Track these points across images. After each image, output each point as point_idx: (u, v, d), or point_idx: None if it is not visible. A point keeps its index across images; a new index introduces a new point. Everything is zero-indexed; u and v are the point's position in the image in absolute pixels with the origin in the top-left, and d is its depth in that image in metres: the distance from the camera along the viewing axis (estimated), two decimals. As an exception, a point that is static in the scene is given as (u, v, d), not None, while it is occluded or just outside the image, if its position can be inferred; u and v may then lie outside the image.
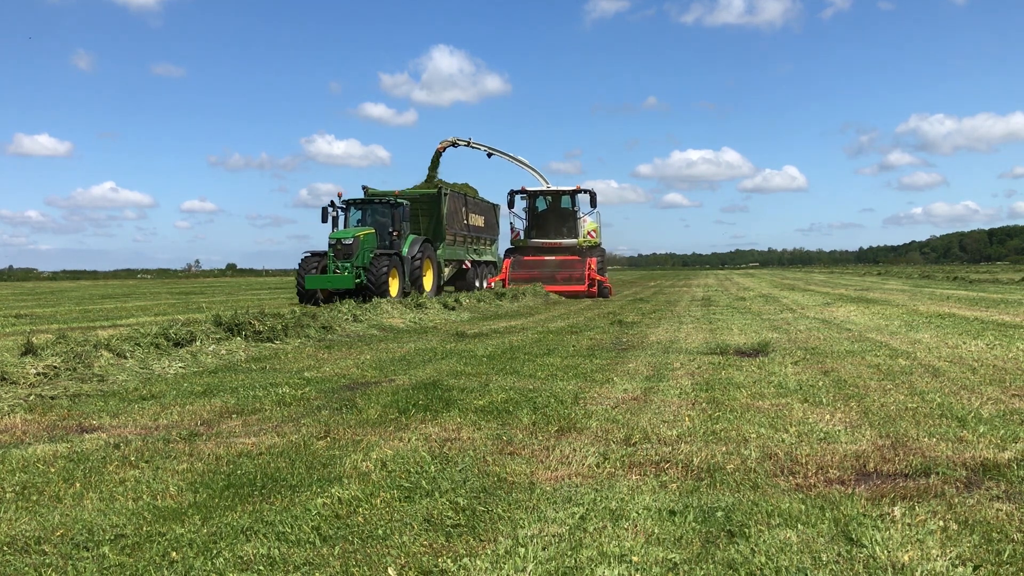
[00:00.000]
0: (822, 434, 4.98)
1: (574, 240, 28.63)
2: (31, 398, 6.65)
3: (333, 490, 3.94)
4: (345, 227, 23.85)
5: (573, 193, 29.39)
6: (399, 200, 24.37)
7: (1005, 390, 6.44)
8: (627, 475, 4.19)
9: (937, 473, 4.06)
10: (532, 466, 4.37)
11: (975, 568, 2.90)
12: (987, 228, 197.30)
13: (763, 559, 2.99)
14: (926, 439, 4.80)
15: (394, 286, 22.33)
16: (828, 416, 5.55)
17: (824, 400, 6.13)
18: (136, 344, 9.01)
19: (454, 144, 30.48)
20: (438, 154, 30.38)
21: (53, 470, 4.40)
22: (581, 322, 14.68)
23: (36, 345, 8.36)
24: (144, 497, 3.91)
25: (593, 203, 28.66)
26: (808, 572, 2.89)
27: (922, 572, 2.85)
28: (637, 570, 2.93)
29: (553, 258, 27.70)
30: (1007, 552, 3.03)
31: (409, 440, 5.01)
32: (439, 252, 26.11)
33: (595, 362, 8.64)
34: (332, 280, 21.81)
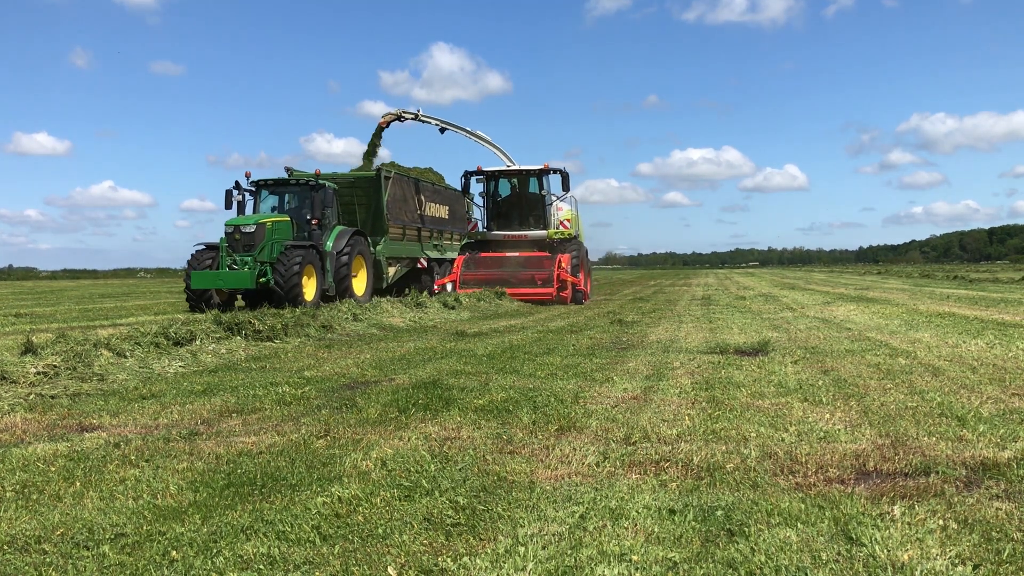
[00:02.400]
0: (822, 433, 4.98)
1: (543, 232, 23.34)
2: (31, 397, 6.65)
3: (333, 489, 3.94)
4: (256, 213, 19.36)
5: (540, 173, 23.77)
6: (321, 182, 19.52)
7: (1005, 389, 6.44)
8: (627, 474, 4.19)
9: (937, 472, 4.06)
10: (532, 465, 4.37)
11: (975, 567, 2.90)
12: (987, 227, 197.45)
13: (763, 558, 2.99)
14: (926, 438, 4.80)
15: (310, 288, 17.90)
16: (828, 415, 5.55)
17: (824, 399, 6.13)
18: (136, 343, 9.01)
19: (399, 118, 25.46)
20: (380, 130, 25.45)
21: (53, 469, 4.41)
22: (581, 321, 14.68)
23: (36, 344, 8.36)
24: (144, 496, 3.91)
25: (566, 185, 23.10)
26: (808, 571, 2.89)
27: (922, 571, 2.85)
28: (637, 569, 2.93)
29: (517, 254, 22.61)
30: (1007, 551, 3.03)
31: (409, 439, 5.01)
32: (379, 248, 21.34)
33: (595, 361, 8.64)
34: (226, 278, 17.30)
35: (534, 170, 23.77)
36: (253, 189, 19.61)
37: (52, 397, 6.72)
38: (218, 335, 10.18)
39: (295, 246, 17.80)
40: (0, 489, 4.06)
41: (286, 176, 21.08)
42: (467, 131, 26.59)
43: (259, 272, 17.40)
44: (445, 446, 4.82)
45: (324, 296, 18.48)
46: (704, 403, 6.09)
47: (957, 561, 2.94)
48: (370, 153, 25.17)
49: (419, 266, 23.78)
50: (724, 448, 4.65)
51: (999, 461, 4.23)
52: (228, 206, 19.21)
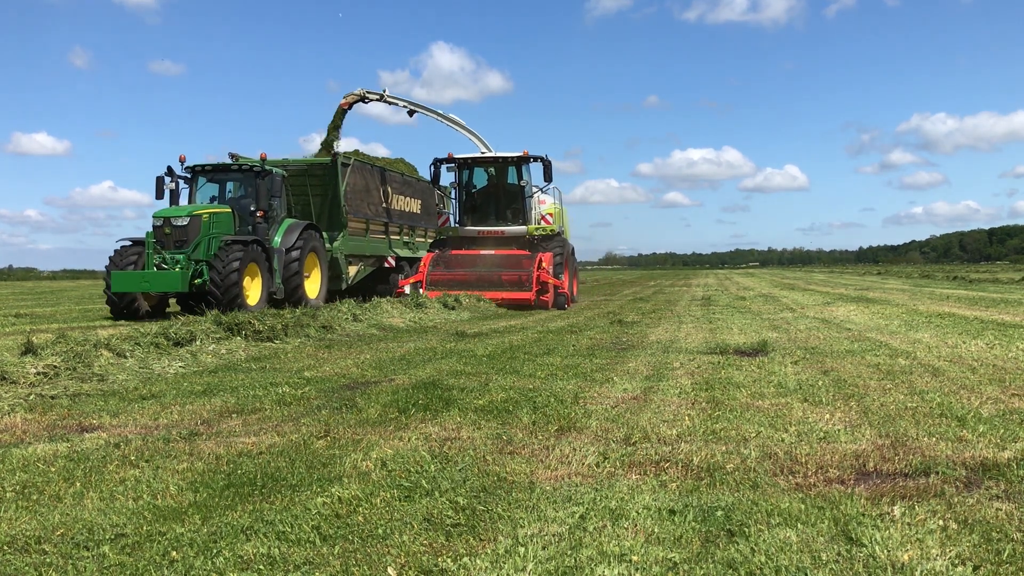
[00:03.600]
0: (822, 433, 4.98)
1: (522, 227, 20.85)
2: (31, 397, 6.65)
3: (333, 489, 3.94)
4: (191, 203, 16.97)
5: (519, 162, 21.04)
6: (268, 167, 16.98)
7: (1005, 390, 6.44)
8: (627, 474, 4.19)
9: (937, 473, 4.06)
10: (532, 465, 4.37)
11: (975, 568, 2.90)
12: (987, 228, 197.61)
13: (763, 558, 2.99)
14: (926, 438, 4.80)
15: (254, 289, 15.76)
16: (828, 415, 5.55)
17: (824, 399, 6.13)
18: (136, 343, 9.01)
19: (363, 98, 23.03)
20: (341, 112, 22.96)
21: (53, 469, 4.41)
22: (581, 322, 14.68)
23: (36, 344, 8.36)
24: (144, 496, 3.91)
25: (548, 175, 20.44)
26: (808, 571, 2.89)
27: (922, 571, 2.85)
28: (637, 569, 2.93)
29: (492, 253, 20.18)
30: (1007, 552, 3.03)
31: (409, 439, 5.01)
32: (337, 244, 19.09)
33: (595, 362, 8.64)
34: (152, 279, 14.83)
35: (512, 158, 21.14)
36: (189, 176, 17.14)
37: (52, 397, 6.72)
38: (218, 335, 10.18)
39: (235, 241, 15.48)
40: (0, 489, 4.06)
41: (229, 161, 17.84)
42: (438, 114, 24.20)
43: (194, 272, 15.22)
44: (445, 446, 4.82)
45: (271, 300, 16.34)
46: (704, 403, 6.09)
47: (957, 561, 2.94)
48: (330, 139, 22.73)
49: (386, 265, 21.84)
50: (724, 448, 4.65)
51: (999, 461, 4.23)
52: (159, 196, 16.66)
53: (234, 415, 5.96)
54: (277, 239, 16.92)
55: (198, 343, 9.64)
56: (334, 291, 19.35)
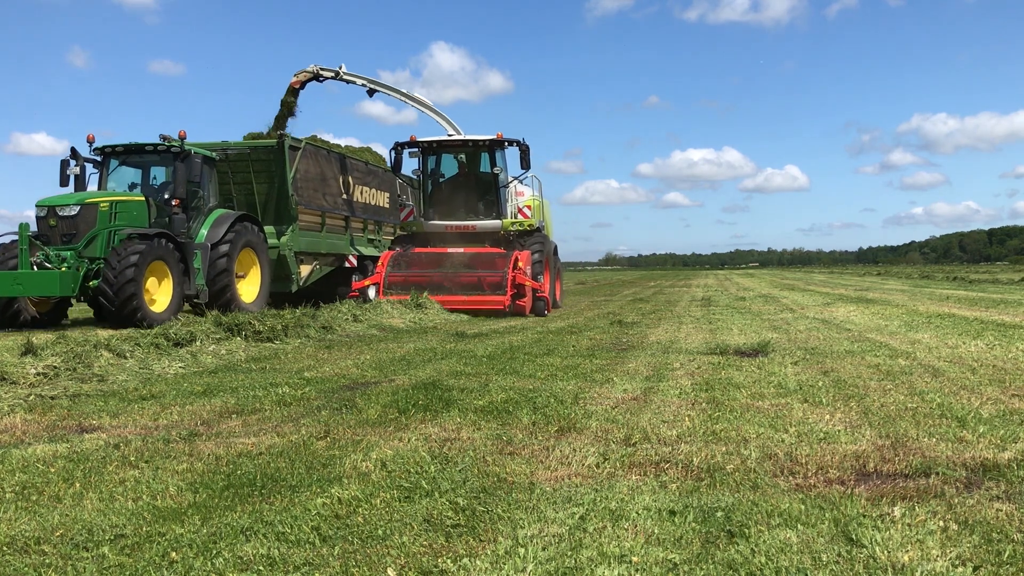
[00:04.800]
0: (822, 434, 4.98)
1: (496, 222, 18.28)
2: (31, 398, 6.65)
3: (333, 490, 3.94)
4: (101, 190, 14.41)
5: (492, 146, 18.40)
6: (188, 148, 14.28)
7: (1005, 390, 6.44)
8: (627, 475, 4.18)
9: (937, 473, 4.06)
10: (532, 466, 4.37)
11: (975, 568, 2.90)
12: (987, 228, 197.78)
13: (763, 559, 2.99)
14: (926, 439, 4.80)
15: (161, 294, 13.27)
16: (828, 416, 5.55)
17: (824, 400, 6.13)
18: (136, 344, 9.01)
19: (317, 77, 20.43)
20: (292, 91, 20.31)
21: (53, 470, 4.40)
22: (581, 322, 14.68)
23: (36, 345, 8.36)
24: (144, 497, 3.90)
25: (525, 162, 17.92)
26: (808, 572, 2.89)
27: (922, 572, 2.85)
28: (637, 570, 2.93)
29: (461, 251, 17.64)
30: (1007, 552, 3.03)
31: (409, 440, 5.00)
32: (284, 240, 16.64)
33: (595, 362, 8.64)
34: (27, 281, 12.09)
35: (484, 142, 18.49)
36: (99, 159, 14.64)
37: (52, 398, 6.72)
38: (218, 336, 10.18)
39: (138, 236, 12.96)
40: (0, 490, 4.06)
41: (143, 141, 14.73)
42: (401, 93, 21.54)
43: (90, 272, 12.72)
44: (445, 447, 4.82)
45: (195, 305, 14.23)
46: (704, 404, 6.09)
47: (957, 562, 2.94)
48: (280, 121, 20.07)
49: (347, 265, 19.44)
50: (724, 449, 4.65)
51: (999, 462, 4.23)
52: (64, 183, 14.27)
53: (234, 416, 5.95)
54: (203, 232, 14.51)
55: (198, 343, 9.64)
56: (281, 294, 17.24)
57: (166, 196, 14.32)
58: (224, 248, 14.56)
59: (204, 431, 5.40)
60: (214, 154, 15.49)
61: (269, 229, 16.69)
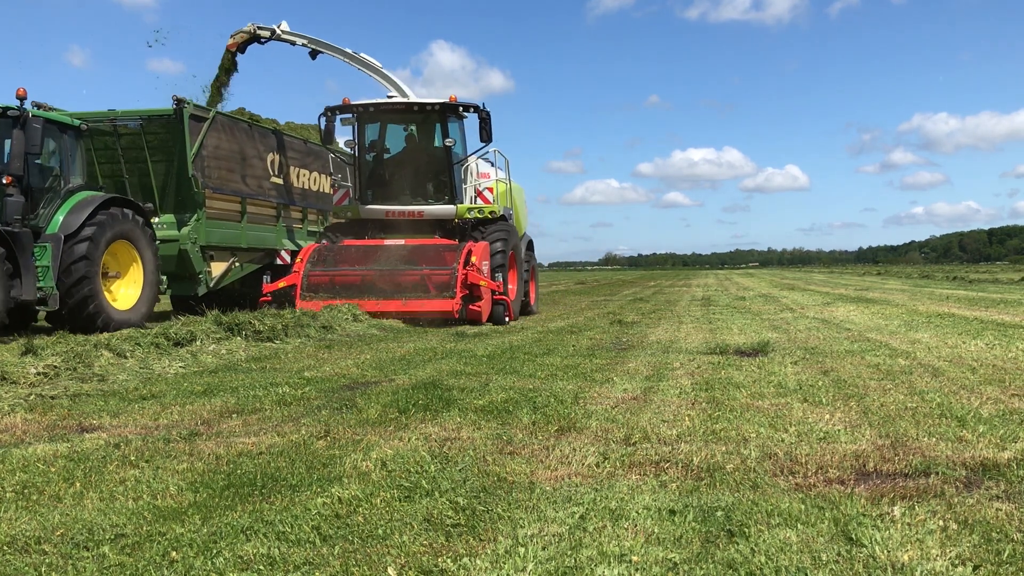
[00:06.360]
0: (822, 434, 4.98)
1: (450, 207, 14.98)
2: (31, 398, 6.66)
3: (333, 490, 3.94)
4: None
5: (443, 112, 14.95)
6: (26, 109, 11.22)
7: (1005, 390, 6.44)
8: (627, 475, 4.19)
9: (937, 473, 4.06)
10: (532, 466, 4.37)
11: (975, 568, 2.90)
12: (987, 228, 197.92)
13: (763, 559, 2.99)
14: (926, 439, 4.80)
15: None
16: (828, 416, 5.55)
17: (824, 400, 6.13)
18: (136, 344, 9.02)
19: (256, 37, 17.39)
20: (229, 55, 17.48)
21: (53, 470, 4.40)
22: (581, 322, 14.68)
23: (36, 345, 8.37)
24: (144, 497, 3.91)
25: (485, 133, 14.54)
26: (808, 572, 2.89)
27: (922, 572, 2.85)
28: (637, 570, 2.93)
29: (401, 243, 14.22)
30: (1007, 552, 3.03)
31: (409, 440, 5.01)
32: (186, 231, 13.79)
33: (595, 362, 8.64)
34: None
35: (432, 105, 14.95)
36: None
37: (52, 398, 6.72)
38: (218, 336, 10.19)
39: None
40: (0, 489, 4.06)
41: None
42: (347, 54, 17.99)
43: None
44: (445, 447, 4.82)
45: (44, 313, 11.77)
46: (704, 404, 6.09)
47: (957, 562, 2.94)
48: (217, 89, 17.48)
49: (279, 262, 16.30)
50: (724, 449, 4.65)
51: (999, 462, 4.23)
52: None
53: (234, 415, 5.96)
54: (58, 218, 11.55)
55: (198, 343, 9.65)
56: (184, 297, 14.66)
57: None
58: (83, 247, 11.48)
59: (204, 431, 5.40)
60: (79, 122, 12.50)
61: (168, 218, 13.91)
